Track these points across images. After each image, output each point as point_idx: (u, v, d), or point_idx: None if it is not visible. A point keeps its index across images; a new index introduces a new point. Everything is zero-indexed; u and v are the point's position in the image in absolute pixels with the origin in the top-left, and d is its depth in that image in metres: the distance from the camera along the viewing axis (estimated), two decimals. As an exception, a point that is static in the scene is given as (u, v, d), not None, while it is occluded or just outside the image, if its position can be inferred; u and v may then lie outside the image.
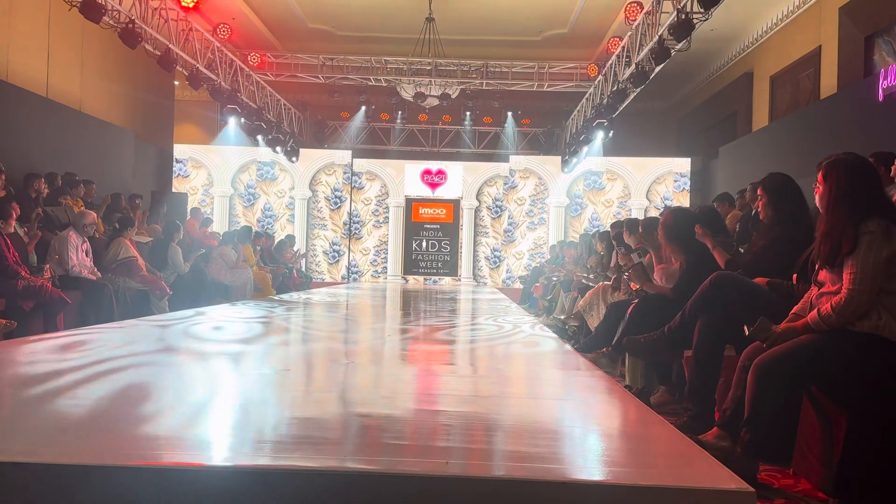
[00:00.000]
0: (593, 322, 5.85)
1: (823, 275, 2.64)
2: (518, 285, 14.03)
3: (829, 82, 10.06)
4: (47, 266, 6.39)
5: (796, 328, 2.63)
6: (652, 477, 1.74)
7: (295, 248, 13.32)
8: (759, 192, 3.58)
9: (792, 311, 2.78)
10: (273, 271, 11.03)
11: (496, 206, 15.38)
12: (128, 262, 7.43)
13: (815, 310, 2.58)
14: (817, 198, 2.68)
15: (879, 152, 5.06)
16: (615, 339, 4.53)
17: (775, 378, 2.51)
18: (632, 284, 4.62)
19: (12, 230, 6.07)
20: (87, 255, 6.96)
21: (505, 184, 15.34)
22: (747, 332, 2.68)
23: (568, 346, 4.49)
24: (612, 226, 7.77)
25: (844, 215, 2.55)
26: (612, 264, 6.89)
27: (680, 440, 2.11)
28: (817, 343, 2.54)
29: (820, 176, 2.65)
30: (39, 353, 3.61)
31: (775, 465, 2.78)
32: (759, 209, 3.66)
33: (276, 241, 12.72)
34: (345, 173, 15.42)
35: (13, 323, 5.19)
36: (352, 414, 2.45)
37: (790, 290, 3.08)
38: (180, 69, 10.30)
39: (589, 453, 2.05)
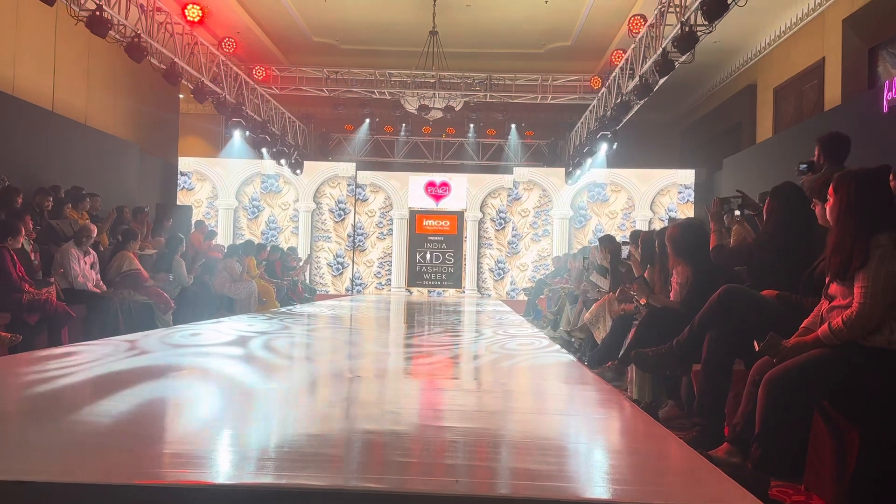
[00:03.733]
0: (599, 335, 5.80)
1: (834, 288, 2.61)
2: (522, 297, 13.99)
3: (832, 94, 10.04)
4: (53, 280, 6.39)
5: (807, 342, 2.60)
6: (664, 495, 1.71)
7: (299, 259, 13.32)
8: (768, 198, 3.59)
9: (802, 325, 2.75)
10: (277, 284, 11.03)
11: (500, 218, 15.37)
12: (132, 275, 7.42)
13: (826, 324, 2.55)
14: (827, 210, 2.66)
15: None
16: (622, 352, 4.49)
17: (786, 393, 2.48)
18: (641, 299, 4.59)
19: (20, 246, 6.07)
20: (91, 268, 6.96)
21: (509, 196, 15.34)
22: (757, 349, 2.65)
23: (575, 360, 4.46)
24: (601, 240, 7.73)
25: (854, 228, 2.53)
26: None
27: (691, 457, 2.08)
28: (828, 358, 2.51)
29: (830, 188, 2.63)
30: (43, 367, 3.59)
31: (787, 481, 2.74)
32: (763, 210, 3.69)
33: (277, 252, 12.70)
34: (349, 185, 15.44)
35: (18, 337, 5.18)
36: (357, 431, 2.43)
37: (799, 303, 3.06)
38: (185, 83, 10.34)
39: (600, 471, 2.02)
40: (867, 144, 8.19)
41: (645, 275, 4.88)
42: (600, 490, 1.82)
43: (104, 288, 7.01)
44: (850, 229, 2.53)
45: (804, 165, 3.89)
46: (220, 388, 3.30)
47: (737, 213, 4.16)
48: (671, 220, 9.89)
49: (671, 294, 4.30)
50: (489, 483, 1.84)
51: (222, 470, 1.94)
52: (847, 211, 2.55)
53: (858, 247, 2.47)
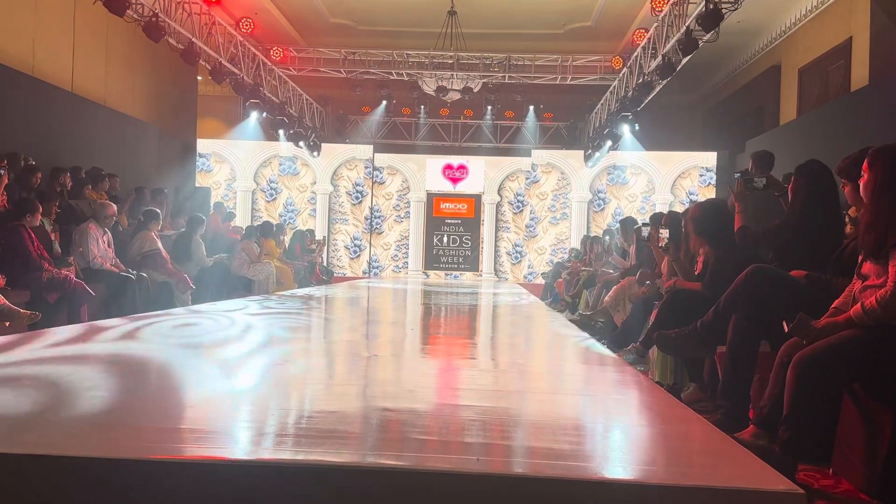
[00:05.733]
0: (619, 318, 5.74)
1: (867, 267, 2.53)
2: (540, 281, 13.92)
3: (860, 74, 9.82)
4: (72, 258, 6.43)
5: (838, 323, 2.52)
6: (694, 476, 1.66)
7: (316, 241, 13.33)
8: (793, 177, 3.52)
9: (833, 306, 2.67)
10: (294, 266, 11.04)
11: (518, 201, 15.26)
12: (152, 255, 7.46)
13: (859, 304, 2.47)
14: (861, 187, 2.57)
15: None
16: (643, 334, 4.43)
17: (816, 375, 2.41)
18: (665, 282, 4.51)
19: (38, 223, 6.10)
20: (108, 247, 6.98)
21: (527, 178, 15.22)
22: (786, 330, 2.58)
23: (594, 342, 4.40)
24: (622, 222, 7.64)
25: (889, 205, 2.44)
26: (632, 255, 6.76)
27: (720, 438, 2.03)
28: (861, 338, 2.44)
29: (865, 164, 2.54)
30: (62, 344, 3.59)
31: (814, 465, 2.68)
32: (788, 192, 3.62)
33: (293, 233, 12.74)
34: (366, 168, 15.39)
35: (37, 314, 5.21)
36: (374, 408, 2.39)
37: (828, 284, 2.98)
38: (203, 63, 10.32)
39: (624, 451, 1.97)
40: (895, 126, 8.01)
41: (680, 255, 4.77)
42: (625, 470, 1.77)
43: (121, 267, 7.03)
44: (885, 206, 2.44)
45: (738, 174, 4.26)
46: (237, 365, 3.28)
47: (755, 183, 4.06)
48: (692, 203, 9.72)
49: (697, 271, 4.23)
50: (509, 461, 1.80)
51: (239, 445, 1.91)
52: (882, 187, 2.47)
53: (894, 224, 2.39)
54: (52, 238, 6.56)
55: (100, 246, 6.81)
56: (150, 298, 7.04)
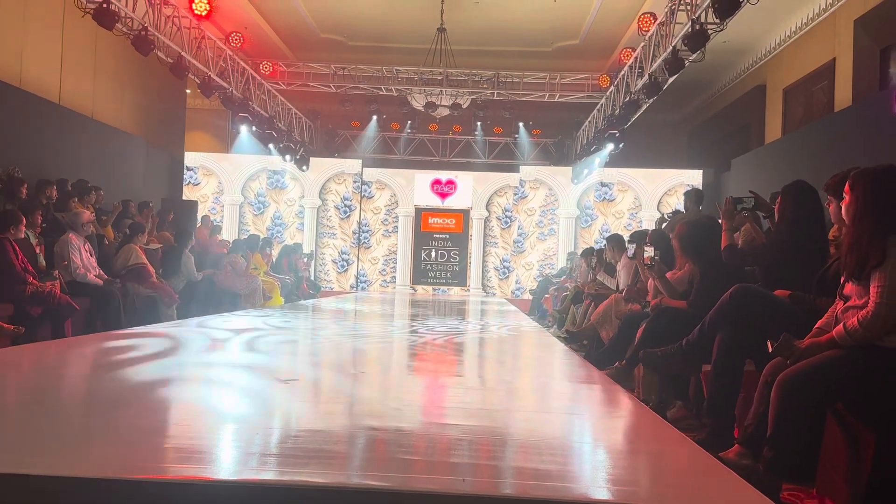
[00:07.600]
0: (606, 335, 5.76)
1: (849, 288, 2.55)
2: (527, 296, 13.94)
3: (843, 95, 9.96)
4: (57, 272, 6.37)
5: (821, 343, 2.54)
6: (679, 497, 1.66)
7: (303, 255, 13.30)
8: (779, 196, 3.56)
9: (816, 326, 2.70)
10: (281, 280, 10.99)
11: (506, 217, 15.31)
12: (137, 269, 7.40)
13: (841, 324, 2.50)
14: (843, 208, 2.60)
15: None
16: (629, 352, 4.44)
17: (800, 394, 2.43)
18: (651, 300, 4.53)
19: (22, 236, 6.04)
20: (91, 256, 6.92)
21: (515, 194, 15.28)
22: (770, 349, 2.60)
23: (581, 359, 4.41)
24: (609, 238, 7.68)
25: (871, 226, 2.47)
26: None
27: (704, 458, 2.04)
28: (843, 359, 2.46)
29: (847, 186, 2.58)
30: (45, 359, 3.56)
31: (798, 485, 2.69)
32: (775, 210, 3.66)
33: (281, 247, 12.72)
34: (354, 182, 15.40)
35: (21, 329, 5.15)
36: (361, 427, 2.38)
37: (813, 303, 3.01)
38: (192, 77, 10.30)
39: (609, 471, 1.97)
40: (878, 146, 8.11)
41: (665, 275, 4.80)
42: (610, 491, 1.77)
43: (106, 277, 6.97)
44: (866, 227, 2.47)
45: (670, 212, 4.34)
46: (222, 383, 3.26)
47: (745, 213, 4.10)
48: (676, 212, 9.67)
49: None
50: (495, 482, 1.80)
51: (223, 465, 1.90)
52: (864, 209, 2.50)
53: (875, 245, 2.42)
54: (37, 251, 6.49)
55: (82, 256, 6.74)
56: (134, 313, 6.98)
